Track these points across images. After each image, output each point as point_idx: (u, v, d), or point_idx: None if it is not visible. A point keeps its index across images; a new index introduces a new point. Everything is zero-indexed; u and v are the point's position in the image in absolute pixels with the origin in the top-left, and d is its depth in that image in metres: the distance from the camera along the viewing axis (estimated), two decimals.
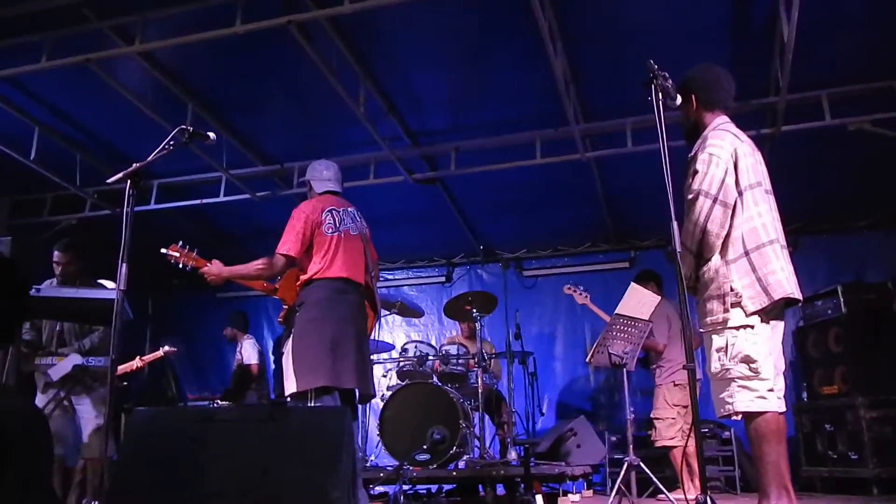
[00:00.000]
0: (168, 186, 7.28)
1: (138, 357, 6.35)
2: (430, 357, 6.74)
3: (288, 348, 4.01)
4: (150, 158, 3.49)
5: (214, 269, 4.15)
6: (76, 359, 4.91)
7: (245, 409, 3.47)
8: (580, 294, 6.39)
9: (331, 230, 4.16)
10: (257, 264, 4.04)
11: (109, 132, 6.47)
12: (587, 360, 6.21)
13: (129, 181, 3.40)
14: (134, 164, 3.42)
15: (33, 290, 4.15)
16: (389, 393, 6.19)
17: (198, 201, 7.19)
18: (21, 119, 6.17)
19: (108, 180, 3.49)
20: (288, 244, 4.03)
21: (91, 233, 6.93)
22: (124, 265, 3.27)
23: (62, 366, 4.88)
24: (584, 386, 8.17)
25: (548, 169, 6.47)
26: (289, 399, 3.99)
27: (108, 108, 6.03)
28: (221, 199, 7.07)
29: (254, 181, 7.10)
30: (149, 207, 7.16)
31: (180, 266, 4.23)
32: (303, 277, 4.09)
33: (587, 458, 6.34)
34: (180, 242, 4.25)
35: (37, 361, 4.77)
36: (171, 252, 4.24)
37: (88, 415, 4.98)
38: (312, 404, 3.79)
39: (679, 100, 3.37)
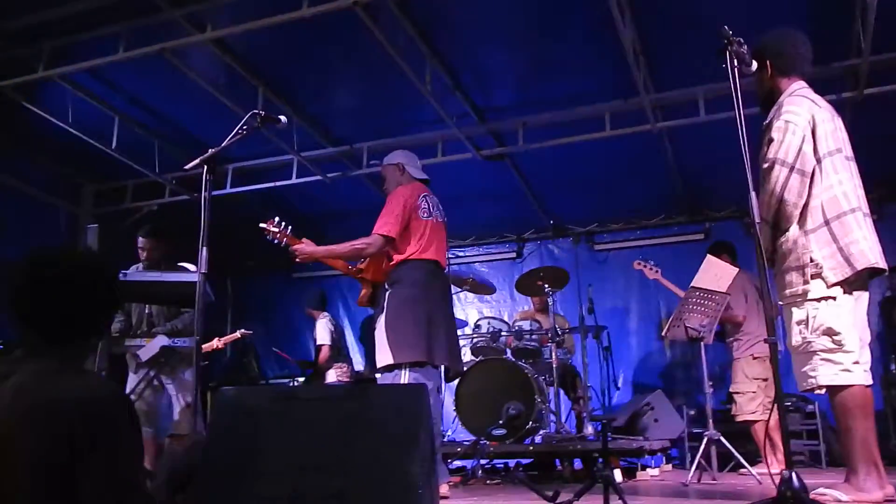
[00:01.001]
0: (242, 170, 7.44)
1: (217, 338, 6.54)
2: (504, 333, 6.76)
3: (381, 323, 4.11)
4: (224, 143, 3.56)
5: (307, 248, 4.22)
6: (163, 340, 5.09)
7: (325, 388, 3.56)
8: (651, 269, 6.30)
9: (426, 215, 4.29)
10: (356, 244, 4.13)
11: (185, 119, 6.64)
12: (662, 334, 6.14)
13: (205, 166, 3.48)
14: (210, 150, 3.51)
15: (120, 275, 4.33)
16: (464, 369, 6.24)
17: (271, 184, 7.34)
18: (102, 109, 6.40)
19: (186, 166, 3.58)
20: (388, 225, 4.12)
21: (171, 218, 7.15)
22: (204, 248, 3.35)
23: (150, 347, 5.07)
24: (659, 360, 8.08)
25: (618, 141, 6.37)
26: (379, 371, 4.10)
27: (183, 96, 6.19)
28: (293, 181, 7.20)
29: (324, 163, 7.20)
30: (225, 192, 7.33)
31: (275, 242, 4.31)
32: (397, 258, 4.20)
33: (665, 433, 6.29)
34: (277, 219, 4.34)
35: (126, 343, 4.97)
36: (268, 227, 4.31)
37: (177, 393, 5.17)
38: (406, 377, 3.92)
39: (754, 66, 3.27)
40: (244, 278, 9.62)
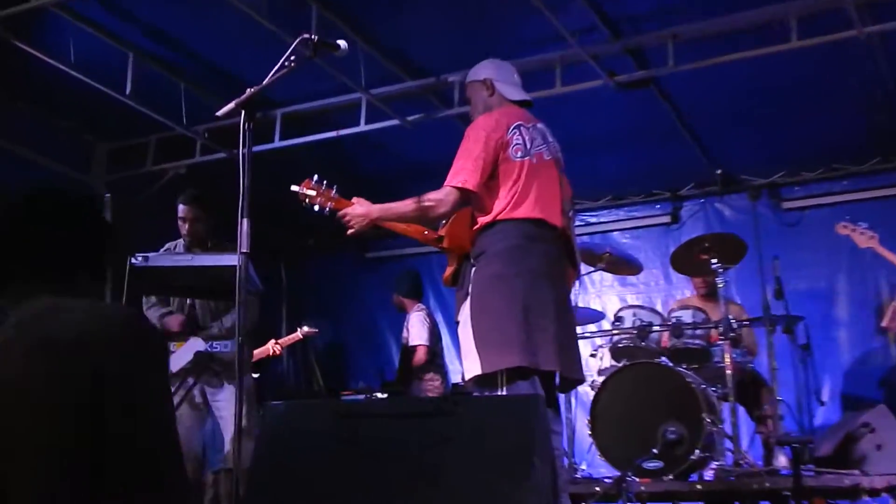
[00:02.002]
0: (294, 116, 7.61)
1: (273, 340, 6.72)
2: (656, 327, 6.68)
3: (465, 315, 4.08)
4: (267, 81, 3.62)
5: (359, 208, 4.24)
6: (197, 344, 5.26)
7: (406, 403, 3.59)
8: (862, 233, 6.11)
9: (520, 153, 4.17)
10: (423, 200, 4.10)
11: (217, 52, 6.82)
12: (883, 324, 5.93)
13: (244, 112, 3.54)
14: (248, 90, 3.56)
15: (138, 260, 4.49)
16: (602, 379, 6.20)
17: (333, 133, 7.45)
18: (113, 45, 6.61)
19: (219, 112, 3.66)
20: (463, 174, 4.06)
21: (204, 183, 7.32)
22: (245, 220, 3.43)
23: (181, 354, 5.25)
24: (882, 362, 7.82)
25: (808, 56, 6.22)
26: (467, 384, 4.12)
27: (214, 23, 6.34)
28: (362, 128, 7.31)
29: (403, 102, 7.27)
30: (272, 146, 7.51)
31: (316, 208, 4.32)
32: (482, 219, 4.13)
33: (892, 465, 6.10)
34: (315, 177, 4.35)
35: None
36: (303, 189, 4.33)
37: (227, 413, 5.30)
38: (503, 392, 3.85)
39: None
40: (302, 261, 9.92)
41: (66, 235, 2.06)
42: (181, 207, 5.55)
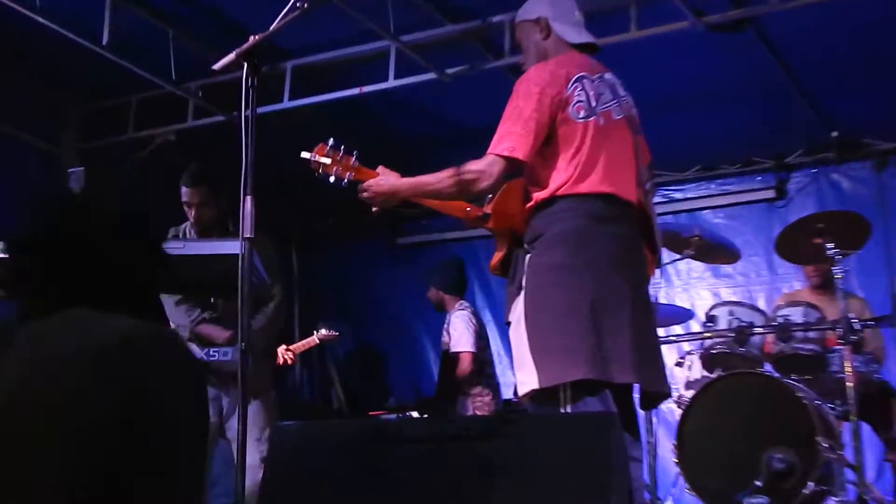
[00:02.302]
0: (308, 69, 7.63)
1: (283, 346, 6.73)
2: (758, 329, 6.63)
3: (517, 315, 4.04)
4: (274, 26, 3.63)
5: (384, 181, 4.22)
6: (193, 351, 5.27)
7: (447, 423, 3.56)
8: None
9: (583, 112, 4.10)
10: (461, 171, 4.06)
11: None
12: None
13: (246, 65, 3.54)
14: (251, 38, 3.57)
15: None
16: (691, 393, 6.18)
17: (355, 90, 7.43)
18: None
19: (216, 66, 3.66)
20: (510, 139, 4.03)
21: (198, 152, 7.34)
22: (248, 199, 3.46)
23: None
24: None
25: None
26: (522, 401, 4.08)
27: None
28: (391, 83, 7.29)
29: (440, 51, 7.26)
30: (281, 106, 7.54)
31: (331, 180, 4.29)
32: (537, 195, 4.10)
33: None
34: (331, 141, 4.30)
35: None
36: (316, 157, 4.29)
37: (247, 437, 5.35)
38: (565, 410, 3.82)
39: None
40: (319, 248, 10.04)
41: (107, 255, 2.07)
42: (185, 191, 5.58)
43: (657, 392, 4.15)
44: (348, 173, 4.28)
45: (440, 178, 4.12)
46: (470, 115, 7.81)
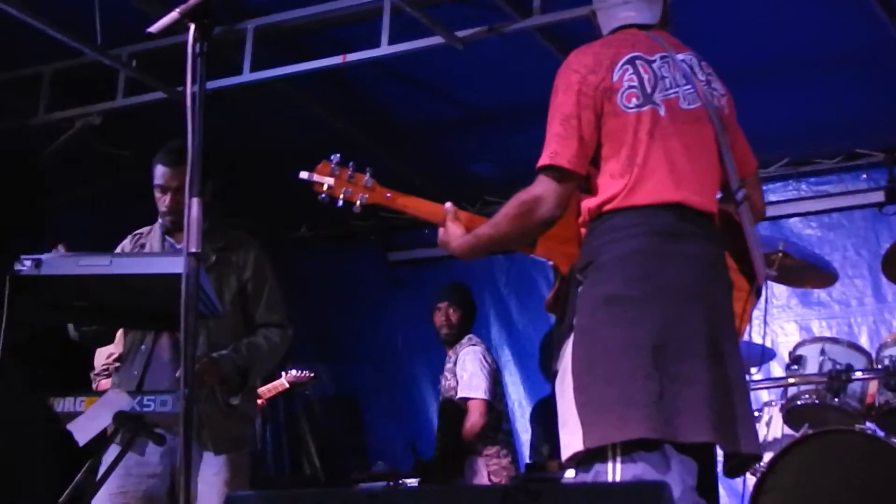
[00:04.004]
0: (275, 31, 7.61)
1: None
2: (858, 373, 6.64)
3: (565, 363, 4.12)
4: None
5: (452, 238, 4.31)
6: (120, 401, 5.27)
7: (455, 494, 3.61)
8: None
9: (634, 101, 4.17)
10: (510, 210, 4.17)
11: None
12: None
13: (192, 26, 3.57)
14: None
15: (26, 266, 4.56)
16: (769, 456, 6.27)
17: (337, 59, 7.46)
18: None
19: (154, 27, 3.64)
20: (552, 144, 4.12)
21: (129, 139, 7.44)
22: (195, 202, 3.50)
23: (92, 415, 5.27)
24: None
25: None
26: (566, 466, 4.18)
27: None
28: (383, 50, 7.24)
29: (449, 9, 7.26)
30: (240, 79, 7.51)
31: (340, 203, 4.35)
32: (588, 207, 4.20)
33: None
34: (336, 157, 4.36)
35: (55, 404, 5.19)
36: (319, 177, 4.35)
37: None
38: (614, 474, 3.88)
39: None
40: (289, 263, 9.96)
41: None
42: (161, 171, 5.56)
43: (747, 454, 4.14)
44: (360, 195, 4.35)
45: (499, 225, 4.22)
46: (488, 91, 7.90)
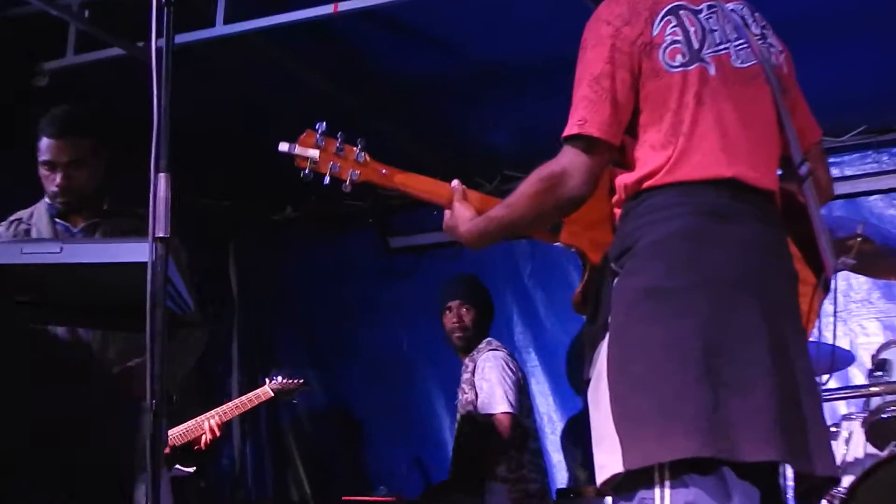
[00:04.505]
0: None
1: (214, 411, 6.66)
2: None
3: (599, 368, 4.00)
4: None
5: (460, 222, 4.27)
6: None
7: None
8: None
9: (680, 59, 4.05)
10: (529, 188, 4.04)
11: None
12: None
13: None
14: None
15: None
16: (850, 480, 6.11)
17: (327, 9, 7.28)
18: None
19: None
20: (581, 109, 3.99)
21: (83, 103, 7.27)
22: (162, 177, 3.43)
23: None
24: None
25: None
26: (602, 490, 4.01)
27: None
28: None
29: None
30: (214, 33, 7.36)
31: (326, 180, 4.30)
32: (622, 180, 4.09)
33: None
34: (322, 126, 4.30)
35: None
36: (301, 150, 4.31)
37: None
38: (666, 499, 3.75)
39: None
40: (271, 252, 9.99)
41: None
42: (47, 144, 5.47)
43: (820, 476, 3.98)
44: (350, 171, 4.31)
45: (515, 206, 4.11)
46: (506, 45, 7.68)
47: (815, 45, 7.33)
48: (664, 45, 4.03)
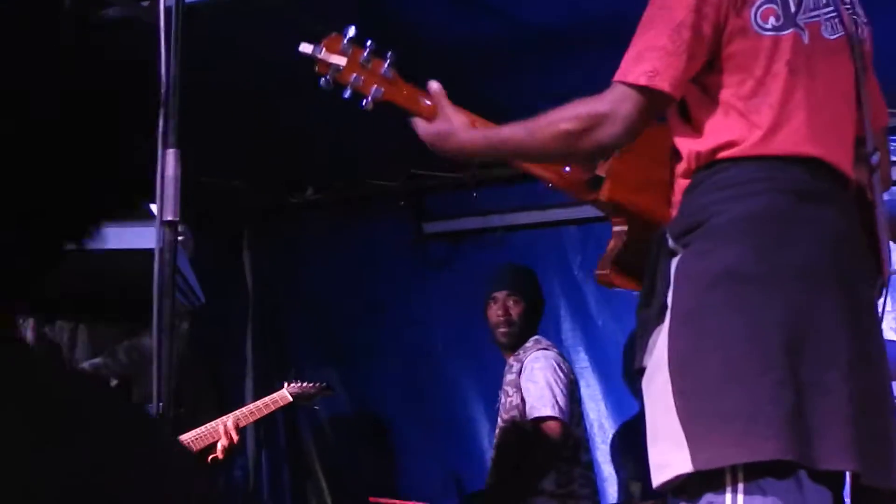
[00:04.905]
0: None
1: (230, 416, 6.61)
2: None
3: (657, 357, 3.96)
4: None
5: (444, 128, 4.21)
6: None
7: None
8: None
9: (773, 22, 4.00)
10: (560, 118, 3.97)
11: None
12: None
13: None
14: None
15: None
16: None
17: None
18: None
19: None
20: (651, 59, 3.94)
21: None
22: (171, 153, 3.42)
23: None
24: None
25: None
26: (661, 492, 4.02)
27: None
28: None
29: None
30: None
31: (348, 93, 4.28)
32: (694, 154, 4.03)
33: None
34: (351, 31, 4.30)
35: None
36: (325, 54, 4.28)
37: None
38: (734, 502, 3.71)
39: None
40: (291, 240, 9.97)
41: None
42: None
43: (890, 489, 4.00)
44: (374, 87, 4.27)
45: (533, 130, 4.04)
46: (559, 6, 7.63)
47: (888, 15, 7.28)
48: (757, 3, 3.99)
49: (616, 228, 4.37)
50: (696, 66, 3.94)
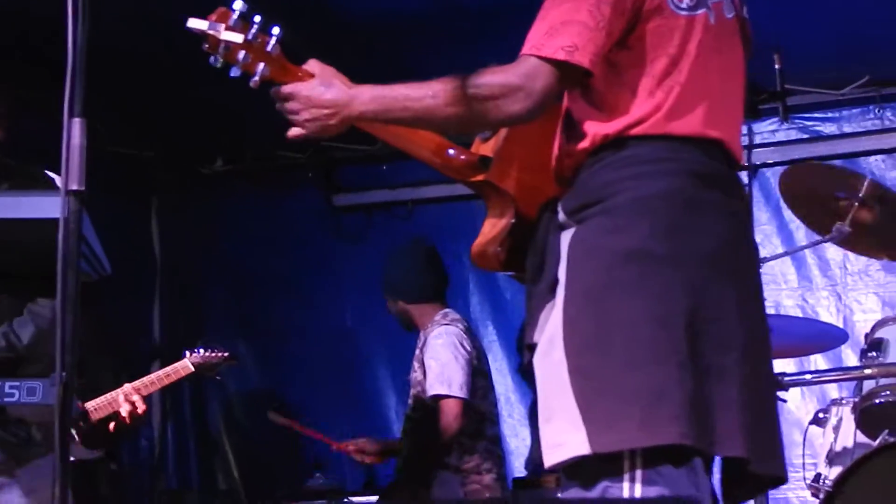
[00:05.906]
0: None
1: (128, 384, 6.74)
2: None
3: (551, 332, 4.00)
4: None
5: (323, 87, 4.10)
6: None
7: None
8: None
9: (689, 2, 4.09)
10: (466, 83, 3.92)
11: None
12: None
13: None
14: None
15: None
16: (837, 471, 6.30)
17: None
18: None
19: None
20: (568, 33, 3.91)
21: None
22: (77, 122, 3.41)
23: None
24: None
25: None
26: (555, 475, 4.01)
27: None
28: None
29: None
30: None
31: (235, 71, 4.16)
32: (597, 130, 4.06)
33: None
34: (240, 4, 4.09)
35: None
36: (212, 29, 4.10)
37: None
38: (632, 494, 3.79)
39: None
40: (199, 209, 10.01)
41: None
42: None
43: (770, 476, 4.11)
44: (260, 64, 4.14)
45: (434, 91, 3.97)
46: None
47: None
48: None
49: (495, 207, 4.32)
50: (611, 42, 3.93)
